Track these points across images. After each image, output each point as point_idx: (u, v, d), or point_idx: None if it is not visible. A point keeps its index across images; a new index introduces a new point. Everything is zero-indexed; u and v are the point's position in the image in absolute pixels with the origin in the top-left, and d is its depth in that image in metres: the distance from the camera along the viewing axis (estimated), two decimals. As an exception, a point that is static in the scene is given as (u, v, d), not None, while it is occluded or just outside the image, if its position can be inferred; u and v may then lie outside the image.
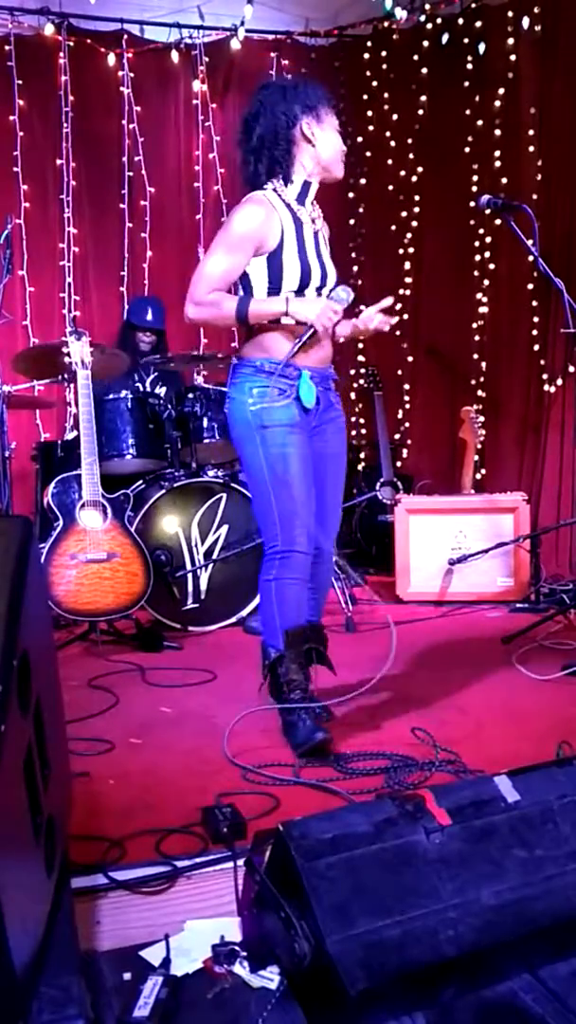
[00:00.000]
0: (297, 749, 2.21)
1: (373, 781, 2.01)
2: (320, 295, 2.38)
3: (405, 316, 5.88)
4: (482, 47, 5.40)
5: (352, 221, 5.88)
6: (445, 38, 5.52)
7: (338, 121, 2.46)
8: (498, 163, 5.44)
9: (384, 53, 5.73)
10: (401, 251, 5.85)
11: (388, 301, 2.42)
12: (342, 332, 2.50)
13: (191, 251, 5.59)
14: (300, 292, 2.35)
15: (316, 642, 2.45)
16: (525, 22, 5.18)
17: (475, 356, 5.68)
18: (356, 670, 3.06)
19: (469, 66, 5.50)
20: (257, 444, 2.32)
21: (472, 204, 3.52)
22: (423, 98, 5.67)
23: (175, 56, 5.50)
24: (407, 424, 5.93)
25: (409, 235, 5.84)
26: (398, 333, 5.90)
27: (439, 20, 5.55)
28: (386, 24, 5.64)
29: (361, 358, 5.94)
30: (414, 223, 5.83)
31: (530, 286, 5.35)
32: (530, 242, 3.05)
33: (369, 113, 5.77)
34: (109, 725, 2.49)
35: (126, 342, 4.73)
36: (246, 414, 2.33)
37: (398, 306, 5.86)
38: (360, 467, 5.79)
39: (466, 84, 5.53)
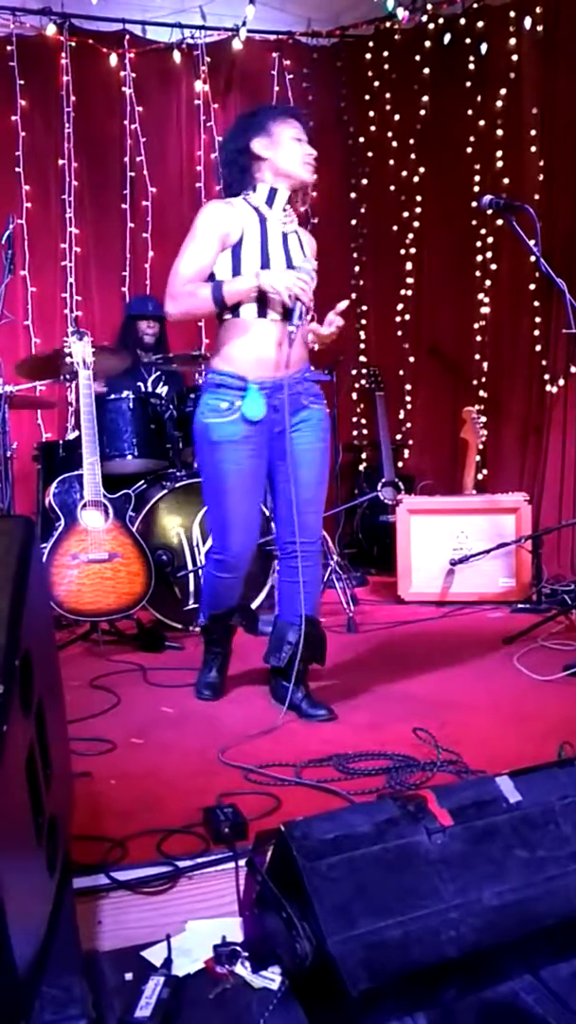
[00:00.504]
0: (196, 686, 2.78)
1: (375, 781, 2.01)
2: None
3: (407, 316, 5.89)
4: (484, 47, 5.41)
5: (354, 221, 5.89)
6: (447, 38, 5.52)
7: (300, 127, 2.52)
8: (500, 163, 5.45)
9: (386, 53, 5.73)
10: (403, 251, 5.85)
11: (344, 304, 2.49)
12: (312, 340, 2.59)
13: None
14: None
15: (310, 635, 2.57)
16: (527, 22, 5.18)
17: (477, 356, 5.68)
18: (358, 671, 3.07)
19: (471, 66, 5.50)
20: (205, 456, 2.52)
21: (474, 204, 3.51)
22: (425, 98, 5.67)
23: (177, 56, 5.51)
24: (409, 424, 5.93)
25: (411, 235, 5.84)
26: (400, 333, 5.90)
27: (441, 20, 5.55)
28: (388, 24, 5.64)
29: (363, 358, 5.95)
30: (416, 223, 5.83)
31: (532, 286, 5.35)
32: (532, 242, 3.05)
33: (371, 113, 5.77)
34: (110, 725, 2.49)
35: (128, 337, 4.71)
36: (199, 426, 2.51)
37: (400, 306, 5.88)
38: (361, 467, 5.80)
39: (468, 84, 5.53)
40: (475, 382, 5.67)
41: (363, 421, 5.97)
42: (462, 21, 5.50)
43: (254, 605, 3.81)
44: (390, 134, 5.77)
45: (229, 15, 5.46)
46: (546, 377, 5.27)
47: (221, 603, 2.71)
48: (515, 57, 5.31)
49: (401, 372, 5.90)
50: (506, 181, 5.38)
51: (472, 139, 5.54)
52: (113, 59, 5.41)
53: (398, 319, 5.89)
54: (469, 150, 5.56)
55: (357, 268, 5.92)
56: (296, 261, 2.48)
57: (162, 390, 4.47)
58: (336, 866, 1.22)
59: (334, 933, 1.15)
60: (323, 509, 2.64)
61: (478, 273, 5.64)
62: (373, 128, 5.78)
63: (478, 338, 5.68)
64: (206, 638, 2.83)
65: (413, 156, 5.76)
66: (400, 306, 5.88)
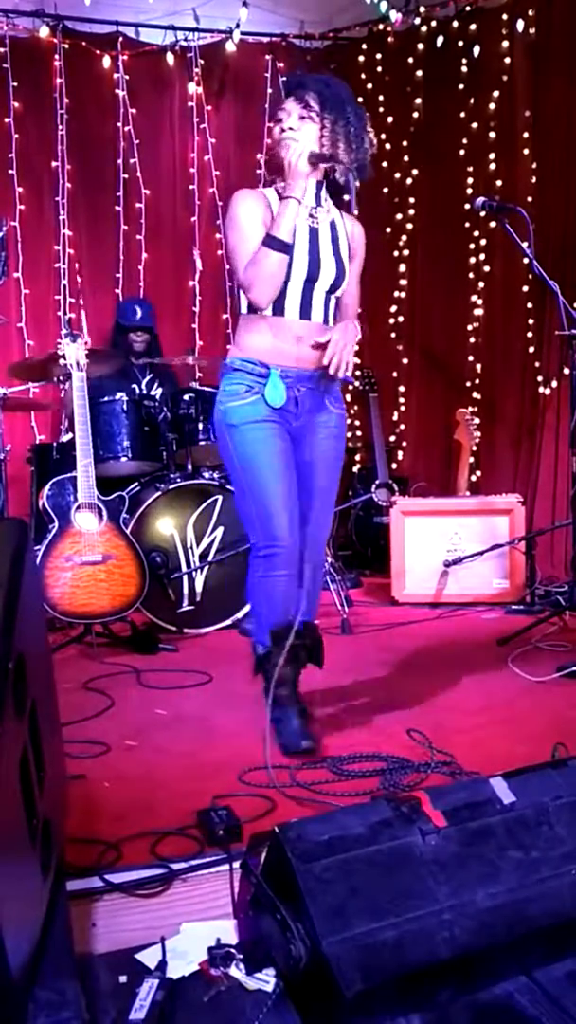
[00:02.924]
0: (282, 750, 2.22)
1: (369, 783, 2.01)
2: (312, 287, 2.30)
3: (400, 318, 5.90)
4: (476, 50, 5.41)
5: (347, 223, 5.89)
6: (440, 41, 5.53)
7: (288, 103, 2.37)
8: (493, 165, 5.45)
9: (379, 56, 5.74)
10: (396, 253, 5.86)
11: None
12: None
13: (186, 253, 5.60)
14: (290, 273, 2.26)
15: (308, 639, 2.42)
16: (520, 25, 5.20)
17: (470, 358, 5.68)
18: (352, 672, 3.07)
19: (464, 69, 5.51)
20: (228, 443, 2.30)
21: (467, 206, 3.54)
22: (418, 101, 5.68)
23: (170, 58, 5.51)
24: (402, 426, 5.94)
25: (404, 237, 5.85)
26: (393, 335, 5.91)
27: (434, 23, 5.56)
28: (381, 27, 5.66)
29: (356, 360, 5.94)
30: (409, 225, 5.84)
31: (525, 288, 5.36)
32: (525, 244, 3.06)
33: (364, 115, 5.78)
34: (105, 727, 2.49)
35: (118, 345, 4.73)
36: (219, 413, 2.33)
37: (393, 308, 5.88)
38: (355, 469, 5.79)
39: (461, 87, 5.54)
40: (468, 384, 5.67)
41: (357, 423, 5.97)
42: (455, 24, 5.51)
43: (244, 610, 3.80)
44: (383, 136, 5.76)
45: (222, 17, 5.46)
46: (539, 379, 5.28)
47: (281, 612, 2.27)
48: (508, 60, 5.32)
49: (395, 374, 5.90)
50: (499, 183, 5.39)
51: (465, 141, 5.55)
52: (106, 61, 5.41)
53: (391, 321, 5.90)
54: (462, 152, 5.57)
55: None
56: (325, 256, 2.30)
57: (156, 392, 4.47)
58: (330, 868, 1.22)
59: (328, 935, 1.15)
60: (330, 517, 2.53)
61: (471, 275, 5.64)
62: (366, 130, 5.78)
63: (471, 340, 5.68)
64: (266, 671, 2.30)
65: (406, 158, 5.76)
66: (393, 308, 5.88)
